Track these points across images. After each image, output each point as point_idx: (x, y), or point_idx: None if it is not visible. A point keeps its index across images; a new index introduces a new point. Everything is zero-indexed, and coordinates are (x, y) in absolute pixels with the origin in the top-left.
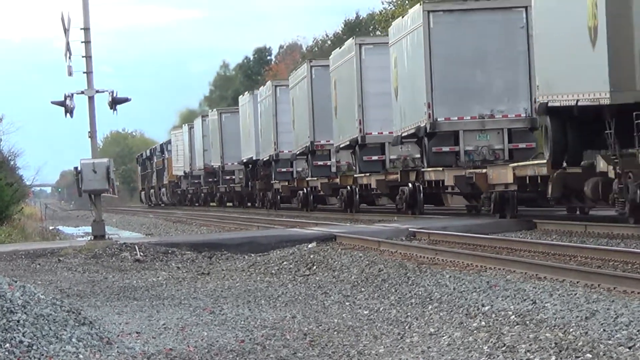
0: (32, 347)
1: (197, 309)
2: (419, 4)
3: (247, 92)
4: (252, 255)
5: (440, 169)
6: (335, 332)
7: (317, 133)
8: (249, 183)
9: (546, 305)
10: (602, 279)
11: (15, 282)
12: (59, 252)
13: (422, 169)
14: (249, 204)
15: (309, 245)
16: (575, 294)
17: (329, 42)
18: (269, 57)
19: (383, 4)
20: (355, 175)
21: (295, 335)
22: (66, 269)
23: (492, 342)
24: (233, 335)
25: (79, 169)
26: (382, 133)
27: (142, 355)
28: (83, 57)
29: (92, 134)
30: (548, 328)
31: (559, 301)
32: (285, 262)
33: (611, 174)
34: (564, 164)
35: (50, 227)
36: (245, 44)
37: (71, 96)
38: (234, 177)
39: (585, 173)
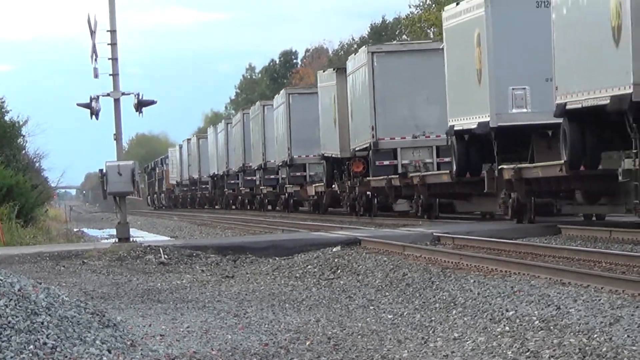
0: (56, 349)
1: (221, 312)
2: (283, 89)
3: (212, 125)
4: (277, 258)
5: (291, 185)
6: (359, 336)
7: (247, 159)
8: (213, 191)
9: (570, 310)
10: (627, 285)
11: (40, 283)
12: (83, 254)
13: (286, 186)
14: (216, 206)
15: (334, 249)
16: (600, 300)
17: (355, 45)
18: (295, 61)
19: (410, 7)
20: (261, 187)
21: (319, 339)
22: (90, 271)
23: (516, 347)
24: (257, 338)
25: (104, 171)
26: (275, 161)
27: (166, 357)
28: (109, 59)
29: (118, 136)
30: (572, 333)
31: (583, 307)
32: (309, 266)
33: (339, 191)
34: (334, 185)
35: (75, 229)
36: (272, 46)
37: (97, 98)
38: (207, 186)
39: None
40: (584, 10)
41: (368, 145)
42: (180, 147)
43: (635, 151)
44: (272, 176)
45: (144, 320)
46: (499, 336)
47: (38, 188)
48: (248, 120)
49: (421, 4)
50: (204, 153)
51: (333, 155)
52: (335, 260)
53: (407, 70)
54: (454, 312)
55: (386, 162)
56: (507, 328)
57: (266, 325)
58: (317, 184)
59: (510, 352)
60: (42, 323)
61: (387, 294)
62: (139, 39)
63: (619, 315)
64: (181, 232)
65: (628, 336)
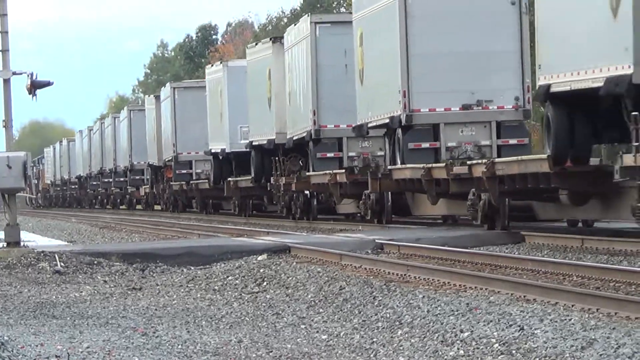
0: None
1: (127, 329)
2: (126, 106)
3: (79, 130)
4: (192, 268)
5: (131, 187)
6: None
7: (104, 163)
8: (79, 191)
9: (536, 332)
10: (602, 303)
11: None
12: None
13: (128, 187)
14: (84, 206)
15: (259, 258)
16: (570, 320)
17: (285, 19)
18: (214, 36)
19: None
20: (112, 188)
21: None
22: None
23: None
24: None
25: None
26: (122, 166)
27: None
28: None
29: (7, 123)
30: (538, 359)
31: (551, 327)
32: (230, 277)
33: (156, 192)
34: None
35: None
36: (188, 21)
37: None
38: (76, 186)
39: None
40: (255, 81)
41: (171, 157)
42: (54, 147)
43: (277, 173)
44: (122, 179)
45: (36, 338)
46: None
47: None
48: (104, 128)
49: None
50: (73, 155)
51: (154, 164)
52: (261, 270)
53: (200, 101)
54: (399, 332)
55: (184, 171)
56: (461, 352)
57: (179, 346)
58: (145, 186)
59: None
60: None
61: (321, 310)
62: (32, 10)
63: (593, 337)
64: (80, 235)
65: None
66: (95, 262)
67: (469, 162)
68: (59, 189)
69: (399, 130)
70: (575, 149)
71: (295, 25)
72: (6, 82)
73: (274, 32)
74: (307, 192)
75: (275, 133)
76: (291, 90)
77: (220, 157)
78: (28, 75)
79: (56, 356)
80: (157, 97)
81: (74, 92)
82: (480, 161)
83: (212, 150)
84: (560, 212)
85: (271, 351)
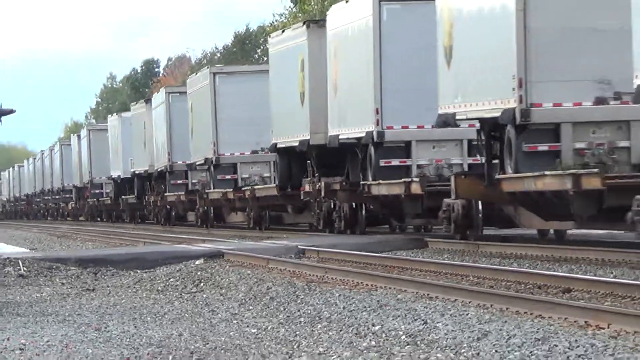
0: None
1: (82, 325)
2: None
3: (27, 158)
4: (138, 271)
5: (63, 203)
6: (223, 351)
7: (45, 184)
8: (27, 206)
9: (437, 325)
10: (495, 299)
11: None
12: None
13: (60, 203)
14: (30, 218)
15: (196, 262)
16: (467, 314)
17: (219, 54)
18: (157, 69)
19: (274, 16)
20: (49, 204)
21: (181, 353)
22: None
23: None
24: (118, 352)
25: None
26: (49, 188)
27: None
28: None
29: None
30: (439, 349)
31: (451, 321)
32: (171, 279)
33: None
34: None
35: None
36: (134, 55)
37: None
38: (24, 202)
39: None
40: (136, 129)
41: (88, 180)
42: (9, 171)
43: (149, 193)
44: (56, 196)
45: (2, 334)
46: (365, 351)
47: None
48: (44, 157)
49: (287, 12)
50: (22, 178)
51: (78, 185)
52: (198, 273)
53: (107, 140)
54: (319, 326)
55: (97, 191)
56: (373, 343)
57: (128, 339)
58: (72, 202)
59: None
60: None
61: (250, 307)
62: None
63: (487, 330)
64: (40, 244)
65: (496, 351)
66: (54, 266)
67: (244, 188)
68: (12, 204)
69: (212, 167)
70: (292, 181)
71: (157, 93)
72: None
73: (210, 63)
74: (168, 206)
75: (148, 165)
76: (156, 137)
77: (118, 181)
78: None
79: (20, 349)
80: (78, 136)
81: (36, 118)
82: (248, 187)
83: (113, 176)
84: (293, 219)
85: (207, 343)
